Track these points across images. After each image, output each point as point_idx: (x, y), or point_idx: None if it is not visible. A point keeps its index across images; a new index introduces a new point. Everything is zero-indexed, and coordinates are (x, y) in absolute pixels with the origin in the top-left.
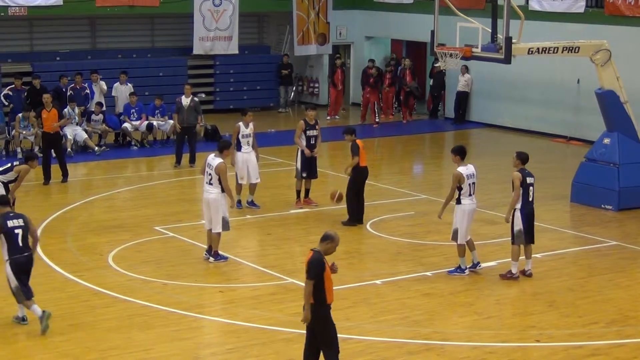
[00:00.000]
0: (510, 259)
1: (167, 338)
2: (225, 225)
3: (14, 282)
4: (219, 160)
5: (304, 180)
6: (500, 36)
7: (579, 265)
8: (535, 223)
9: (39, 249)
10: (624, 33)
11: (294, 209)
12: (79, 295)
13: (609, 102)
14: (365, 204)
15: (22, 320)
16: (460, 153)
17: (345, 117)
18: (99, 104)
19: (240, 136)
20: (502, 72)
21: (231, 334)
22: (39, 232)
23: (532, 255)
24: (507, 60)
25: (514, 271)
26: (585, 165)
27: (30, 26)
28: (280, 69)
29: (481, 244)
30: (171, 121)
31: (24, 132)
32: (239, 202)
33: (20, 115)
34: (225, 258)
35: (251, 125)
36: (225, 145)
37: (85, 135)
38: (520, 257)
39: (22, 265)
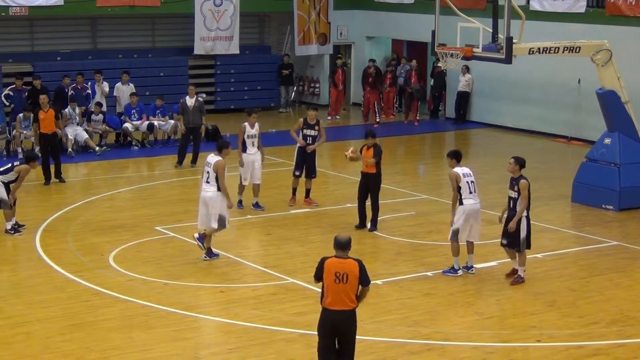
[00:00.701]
0: (519, 266)
1: (168, 338)
2: (222, 223)
3: None
4: (218, 158)
5: (305, 180)
6: (501, 36)
7: (580, 265)
8: (536, 223)
9: (39, 250)
10: (625, 33)
11: (294, 209)
12: (79, 295)
13: (610, 102)
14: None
15: None
16: (456, 156)
17: (346, 117)
18: (99, 104)
19: (245, 137)
20: (503, 72)
21: (232, 334)
22: (39, 232)
23: (533, 255)
24: (508, 60)
25: (522, 274)
26: (586, 165)
27: (31, 26)
28: (281, 69)
29: (481, 244)
30: (172, 121)
31: (24, 132)
32: (240, 202)
33: (21, 115)
34: (216, 255)
35: (257, 126)
36: (224, 144)
37: (86, 135)
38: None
39: None
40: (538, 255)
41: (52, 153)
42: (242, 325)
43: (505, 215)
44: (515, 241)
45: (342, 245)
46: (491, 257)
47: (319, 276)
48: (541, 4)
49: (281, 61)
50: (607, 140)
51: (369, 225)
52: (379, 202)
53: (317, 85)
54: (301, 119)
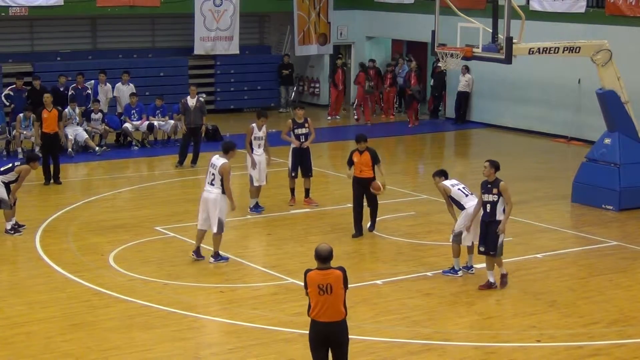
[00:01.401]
0: (485, 270)
1: (168, 338)
2: (220, 227)
3: None
4: (223, 160)
5: (303, 179)
6: (501, 36)
7: (580, 266)
8: (536, 223)
9: (39, 250)
10: (625, 33)
11: (294, 209)
12: (79, 295)
13: (610, 102)
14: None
15: None
16: (443, 174)
17: (346, 117)
18: (97, 101)
19: (252, 138)
20: (503, 72)
21: (232, 334)
22: (39, 232)
23: (533, 255)
24: (508, 60)
25: (504, 271)
26: (586, 166)
27: (31, 26)
28: (281, 69)
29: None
30: (172, 121)
31: (24, 132)
32: (257, 204)
33: (21, 115)
34: (226, 259)
35: (264, 128)
36: (231, 146)
37: (86, 136)
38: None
39: None
40: (538, 256)
41: (52, 154)
42: (242, 326)
43: (477, 221)
44: (491, 246)
45: (323, 258)
46: None
47: (305, 289)
48: (541, 4)
49: (281, 61)
50: (607, 140)
51: (368, 224)
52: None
53: (317, 85)
54: (289, 120)
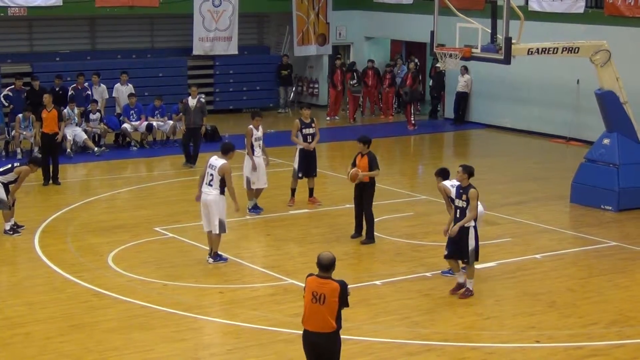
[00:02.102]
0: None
1: (167, 339)
2: (222, 227)
3: None
4: (223, 161)
5: (307, 179)
6: (500, 37)
7: (579, 266)
8: (534, 223)
9: (38, 251)
10: (624, 33)
11: (292, 209)
12: (78, 296)
13: (609, 103)
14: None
15: None
16: (442, 174)
17: (345, 117)
18: (95, 101)
19: (253, 139)
20: (502, 73)
21: (231, 335)
22: (38, 232)
23: (532, 256)
24: (507, 60)
25: (471, 287)
26: (584, 166)
27: (30, 26)
28: (280, 70)
29: (480, 245)
30: (171, 122)
31: (24, 132)
32: (256, 205)
33: (20, 115)
34: (225, 259)
35: (260, 128)
36: (230, 147)
37: (84, 136)
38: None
39: None
40: (537, 256)
41: (52, 154)
42: (241, 326)
43: (451, 226)
44: (463, 253)
45: (324, 267)
46: (490, 257)
47: (304, 292)
48: (540, 4)
49: (280, 62)
50: (606, 141)
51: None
52: (372, 211)
53: (316, 85)
54: (297, 121)
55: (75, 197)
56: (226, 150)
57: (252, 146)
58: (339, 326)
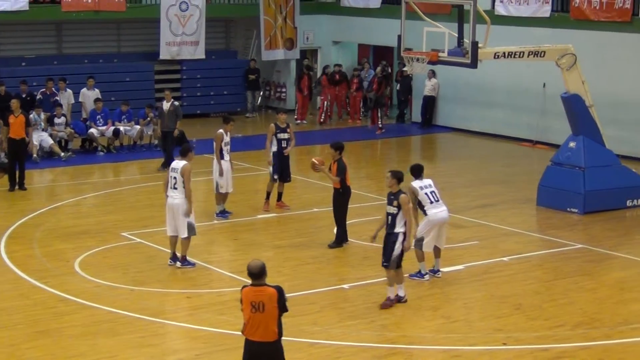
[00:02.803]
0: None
1: (134, 344)
2: (191, 229)
3: None
4: (184, 162)
5: (279, 183)
6: (467, 41)
7: (545, 269)
8: (501, 226)
9: (4, 257)
10: (590, 37)
11: (262, 213)
12: (45, 302)
13: (575, 106)
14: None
15: None
16: (412, 172)
17: (313, 122)
18: (60, 106)
19: (222, 144)
20: (469, 77)
21: (198, 340)
22: (4, 238)
23: (499, 259)
24: (474, 64)
25: (392, 296)
26: (551, 169)
27: None
28: (248, 74)
29: (447, 248)
30: (138, 127)
31: None
32: (225, 211)
33: None
34: (193, 264)
35: (229, 133)
36: (188, 148)
37: (51, 141)
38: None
39: None
40: (504, 259)
41: (19, 160)
42: (208, 331)
43: (381, 233)
44: (385, 256)
45: (255, 275)
46: (458, 260)
47: (241, 305)
48: (506, 8)
49: (247, 66)
50: (572, 144)
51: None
52: (343, 217)
53: (284, 90)
54: (272, 125)
55: (41, 203)
56: (185, 152)
57: (221, 151)
58: (281, 333)
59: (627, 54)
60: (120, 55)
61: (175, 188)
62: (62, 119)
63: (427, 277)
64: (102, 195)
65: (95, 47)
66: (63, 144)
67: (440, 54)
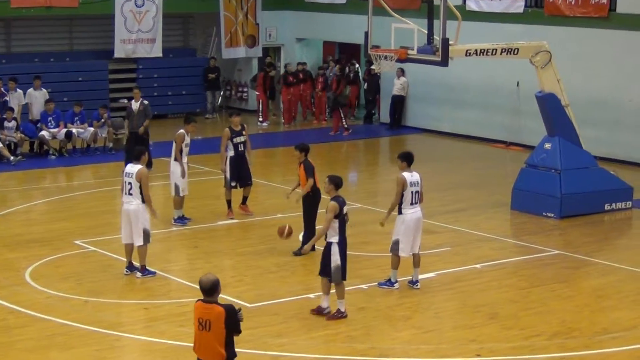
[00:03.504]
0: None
1: (89, 358)
2: (146, 237)
3: None
4: (139, 166)
5: (242, 188)
6: (437, 37)
7: (521, 276)
8: (474, 232)
9: None
10: (565, 34)
11: (225, 220)
12: None
13: (550, 106)
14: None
15: None
16: (407, 159)
17: (276, 123)
18: (11, 109)
19: (183, 145)
20: (439, 75)
21: (157, 353)
22: None
23: (472, 266)
24: (444, 62)
25: (342, 309)
26: (525, 171)
27: None
28: (207, 73)
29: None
30: (91, 129)
31: None
32: (183, 217)
33: None
34: (153, 273)
35: (190, 134)
36: (141, 151)
37: (0, 145)
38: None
39: None
40: (477, 266)
41: None
42: (167, 344)
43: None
44: (325, 270)
45: (206, 291)
46: (429, 268)
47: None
48: (478, 4)
49: (207, 64)
50: (548, 145)
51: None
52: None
53: (245, 89)
54: (226, 129)
55: None
56: (138, 156)
57: (181, 152)
58: (231, 355)
59: (604, 51)
60: (73, 54)
61: (130, 194)
62: (13, 123)
63: (396, 285)
64: (54, 201)
65: (46, 45)
66: (12, 147)
67: (410, 52)
